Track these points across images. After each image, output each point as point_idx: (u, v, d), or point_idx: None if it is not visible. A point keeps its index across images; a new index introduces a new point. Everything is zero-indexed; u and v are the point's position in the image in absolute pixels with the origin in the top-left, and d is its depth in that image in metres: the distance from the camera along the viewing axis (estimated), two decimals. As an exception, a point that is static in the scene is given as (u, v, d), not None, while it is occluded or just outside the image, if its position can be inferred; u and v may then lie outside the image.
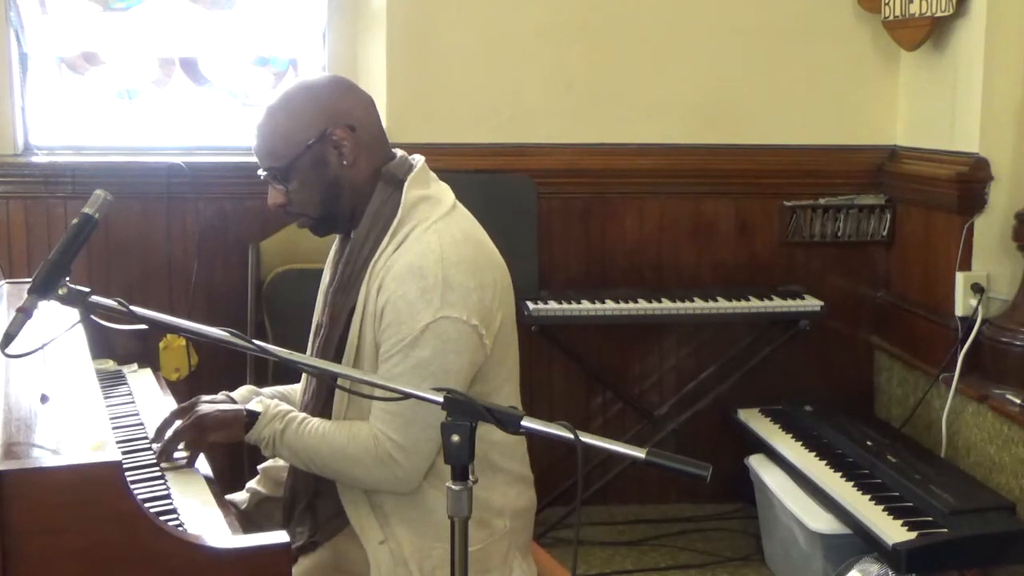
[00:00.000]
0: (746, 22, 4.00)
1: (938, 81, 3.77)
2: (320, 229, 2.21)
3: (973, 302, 3.53)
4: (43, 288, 1.85)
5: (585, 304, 3.72)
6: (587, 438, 1.63)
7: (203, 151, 3.95)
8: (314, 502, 2.20)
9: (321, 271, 2.32)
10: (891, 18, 3.82)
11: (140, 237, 3.83)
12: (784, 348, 3.93)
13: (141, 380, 2.73)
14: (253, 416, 2.12)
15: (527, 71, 3.95)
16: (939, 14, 3.58)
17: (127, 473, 1.77)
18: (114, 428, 2.28)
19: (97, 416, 2.06)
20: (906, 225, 4.00)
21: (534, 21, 3.93)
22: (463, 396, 1.69)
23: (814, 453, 3.47)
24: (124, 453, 2.08)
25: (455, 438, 1.65)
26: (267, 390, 2.35)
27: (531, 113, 3.95)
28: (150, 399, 2.56)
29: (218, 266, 3.87)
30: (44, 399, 2.02)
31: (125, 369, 2.82)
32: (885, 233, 4.07)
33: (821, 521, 3.18)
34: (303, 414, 2.16)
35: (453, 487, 1.67)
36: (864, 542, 3.02)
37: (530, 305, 3.66)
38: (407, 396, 1.76)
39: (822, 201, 4.07)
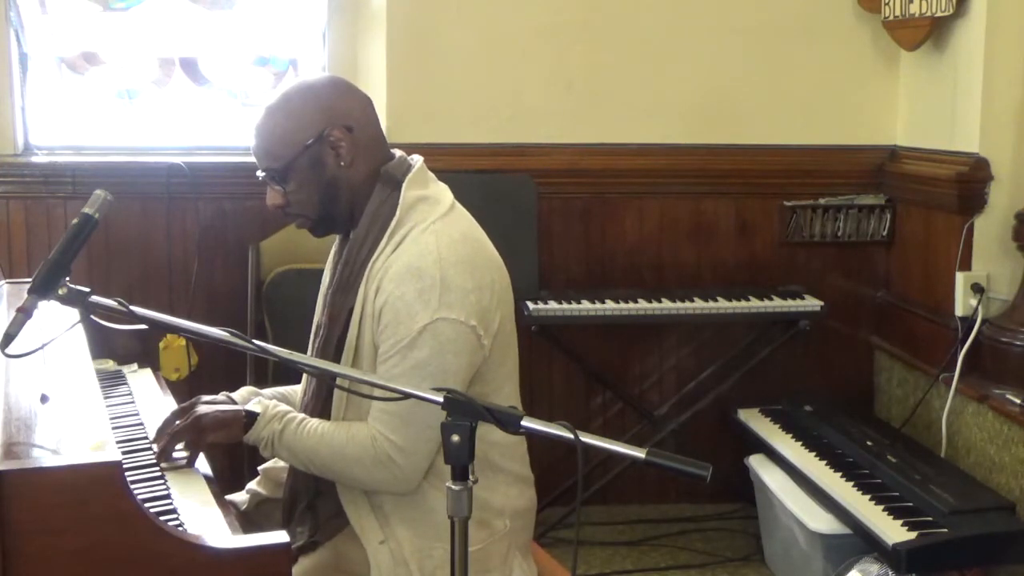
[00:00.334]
0: (746, 22, 4.00)
1: (938, 81, 3.77)
2: (318, 230, 2.21)
3: (973, 302, 3.53)
4: (43, 288, 1.85)
5: (585, 304, 3.72)
6: (587, 438, 1.63)
7: (203, 151, 3.95)
8: (314, 502, 2.20)
9: (321, 271, 2.32)
10: (891, 18, 3.82)
11: (140, 237, 3.83)
12: (784, 348, 3.93)
13: (141, 380, 2.73)
14: (252, 417, 2.12)
15: (527, 71, 3.95)
16: (939, 14, 3.58)
17: (127, 473, 1.77)
18: (114, 428, 2.28)
19: (97, 416, 2.06)
20: (906, 225, 4.00)
21: (534, 21, 3.93)
22: (463, 396, 1.69)
23: (814, 453, 3.47)
24: (124, 453, 2.09)
25: (455, 438, 1.65)
26: (267, 391, 2.35)
27: (531, 113, 3.95)
28: (150, 399, 2.56)
29: (218, 266, 3.87)
30: (44, 399, 2.03)
31: (125, 369, 2.82)
32: (885, 233, 4.07)
33: (821, 521, 3.18)
34: (302, 415, 2.16)
35: (453, 487, 1.67)
36: (864, 542, 3.02)
37: (530, 305, 3.66)
38: (407, 396, 1.76)
39: (822, 201, 4.07)
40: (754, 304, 3.80)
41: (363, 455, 2.05)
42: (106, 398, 2.47)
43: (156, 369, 2.90)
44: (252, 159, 2.18)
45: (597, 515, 4.03)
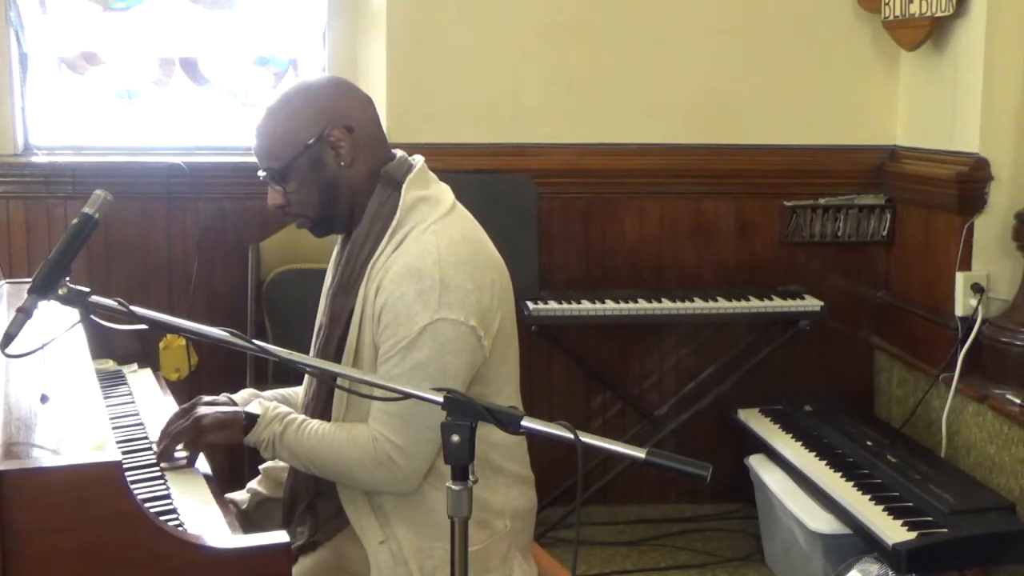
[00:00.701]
0: (746, 22, 4.00)
1: (938, 81, 3.77)
2: (319, 230, 2.21)
3: (973, 302, 3.53)
4: (43, 288, 1.85)
5: (585, 304, 3.72)
6: (587, 438, 1.63)
7: (203, 151, 3.95)
8: (314, 502, 2.20)
9: (321, 271, 2.32)
10: (891, 18, 3.82)
11: (140, 237, 3.83)
12: (784, 348, 3.93)
13: (141, 380, 2.73)
14: (252, 418, 2.12)
15: (527, 71, 3.95)
16: (939, 14, 3.58)
17: (127, 473, 1.77)
18: (114, 428, 2.28)
19: (97, 416, 2.06)
20: (906, 225, 4.00)
21: (534, 21, 3.93)
22: (463, 396, 1.69)
23: (814, 453, 3.47)
24: (124, 453, 2.09)
25: (455, 438, 1.65)
26: (268, 393, 2.34)
27: (531, 113, 3.95)
28: (150, 399, 2.56)
29: (218, 266, 3.87)
30: (44, 399, 2.03)
31: (125, 369, 2.82)
32: (885, 233, 4.07)
33: (821, 521, 3.18)
34: (302, 416, 2.16)
35: (453, 487, 1.67)
36: (864, 542, 3.02)
37: (530, 305, 3.66)
38: (407, 396, 1.76)
39: (822, 201, 4.07)
40: (754, 304, 3.80)
41: (364, 456, 2.05)
42: (106, 398, 2.47)
43: (156, 369, 2.90)
44: (252, 159, 2.18)
45: (597, 515, 4.03)
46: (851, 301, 4.12)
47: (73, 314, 1.91)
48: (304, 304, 2.38)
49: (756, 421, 3.81)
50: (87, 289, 1.87)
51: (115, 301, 1.85)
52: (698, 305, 3.75)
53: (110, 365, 2.82)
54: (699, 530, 3.97)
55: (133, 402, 2.54)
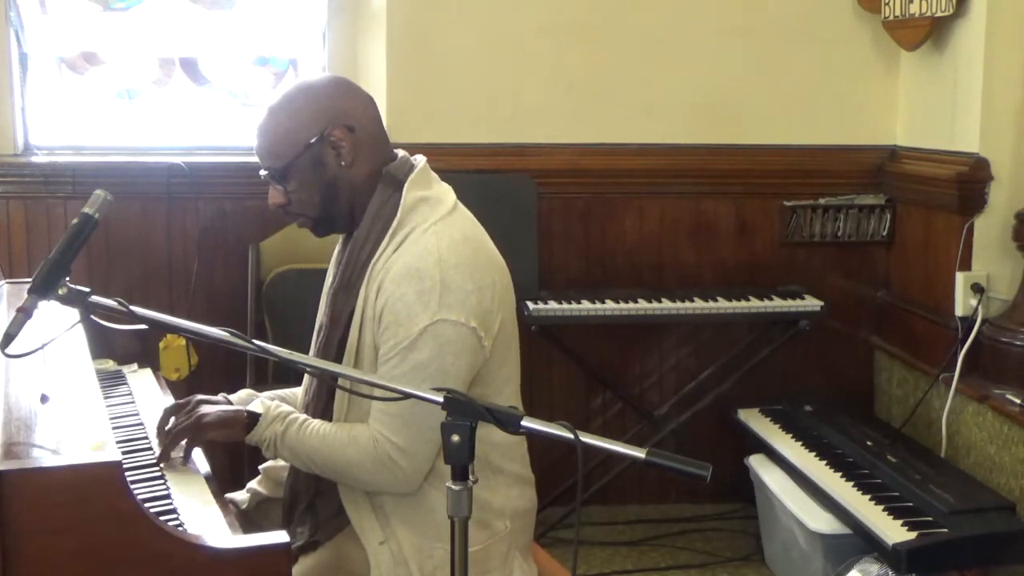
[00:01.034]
0: (746, 22, 4.00)
1: (938, 81, 3.77)
2: (319, 229, 2.21)
3: (973, 302, 3.53)
4: (43, 288, 1.85)
5: (585, 304, 3.72)
6: (587, 438, 1.63)
7: (203, 151, 3.95)
8: (315, 502, 2.20)
9: (321, 271, 2.32)
10: (891, 18, 3.82)
11: (140, 237, 3.83)
12: (784, 348, 3.93)
13: (141, 380, 2.73)
14: (254, 417, 2.12)
15: (527, 71, 3.95)
16: (939, 14, 3.58)
17: (127, 473, 1.77)
18: (114, 428, 2.28)
19: (97, 416, 2.06)
20: (906, 225, 4.00)
21: (534, 21, 3.93)
22: (463, 396, 1.69)
23: (814, 453, 3.47)
24: (124, 453, 2.09)
25: (455, 438, 1.65)
26: (265, 394, 2.34)
27: (531, 113, 3.95)
28: (150, 399, 2.56)
29: (218, 266, 3.87)
30: (44, 399, 2.03)
31: (125, 369, 2.82)
32: (885, 233, 4.07)
33: (821, 521, 3.18)
34: (304, 415, 2.16)
35: (453, 487, 1.67)
36: (864, 542, 3.02)
37: (530, 305, 3.66)
38: (407, 396, 1.76)
39: (822, 201, 4.07)
40: (754, 304, 3.80)
41: (364, 456, 2.05)
42: (106, 398, 2.47)
43: (156, 369, 2.90)
44: (252, 159, 2.18)
45: (597, 515, 4.03)
46: (851, 301, 4.12)
47: (73, 314, 1.91)
48: (304, 304, 2.39)
49: (756, 421, 3.81)
50: (87, 289, 1.87)
51: (115, 301, 1.85)
52: (698, 305, 3.75)
53: (110, 365, 2.82)
54: (699, 530, 3.97)
55: (133, 402, 2.54)
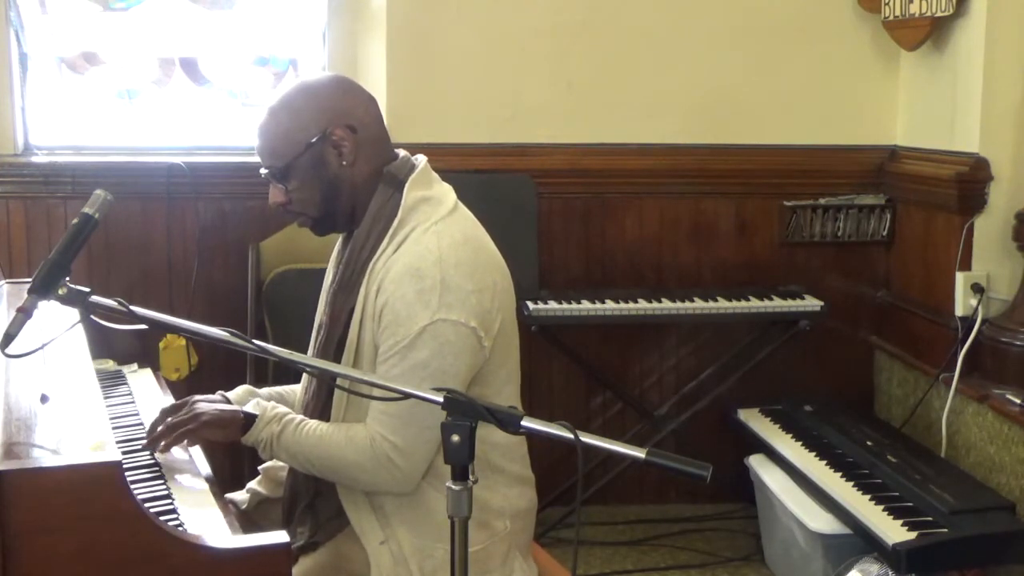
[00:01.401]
0: (746, 22, 4.00)
1: (938, 81, 3.77)
2: (320, 228, 2.21)
3: (973, 302, 3.53)
4: (43, 288, 1.85)
5: (585, 304, 3.72)
6: (587, 438, 1.63)
7: (203, 151, 3.94)
8: (314, 502, 2.20)
9: (321, 271, 2.32)
10: (891, 18, 3.82)
11: (140, 237, 3.83)
12: (784, 348, 3.93)
13: (141, 380, 2.73)
14: (250, 418, 2.12)
15: (527, 71, 3.95)
16: (939, 14, 3.58)
17: (127, 473, 1.77)
18: (114, 428, 2.28)
19: (97, 416, 2.06)
20: (906, 225, 4.00)
21: (534, 21, 3.93)
22: (463, 396, 1.69)
23: (814, 453, 3.47)
24: (124, 453, 2.08)
25: (455, 438, 1.65)
26: (264, 391, 2.34)
27: (531, 113, 3.95)
28: (150, 399, 2.56)
29: (218, 266, 3.87)
30: (44, 399, 2.03)
31: (125, 369, 2.82)
32: (885, 233, 4.07)
33: (821, 521, 3.18)
34: (300, 416, 2.15)
35: (453, 487, 1.67)
36: (864, 542, 3.02)
37: (530, 305, 3.66)
38: (407, 396, 1.76)
39: (822, 201, 4.07)
40: (754, 304, 3.80)
41: (362, 456, 2.05)
42: (106, 398, 2.47)
43: (156, 369, 2.90)
44: (252, 159, 2.18)
45: (597, 515, 4.03)
46: (851, 301, 4.12)
47: (73, 314, 1.91)
48: (304, 304, 2.38)
49: (756, 421, 3.81)
50: (87, 289, 1.87)
51: (115, 301, 1.85)
52: (698, 305, 3.75)
53: (110, 365, 2.82)
54: (699, 530, 3.97)
55: (133, 402, 2.54)
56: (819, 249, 4.10)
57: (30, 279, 1.89)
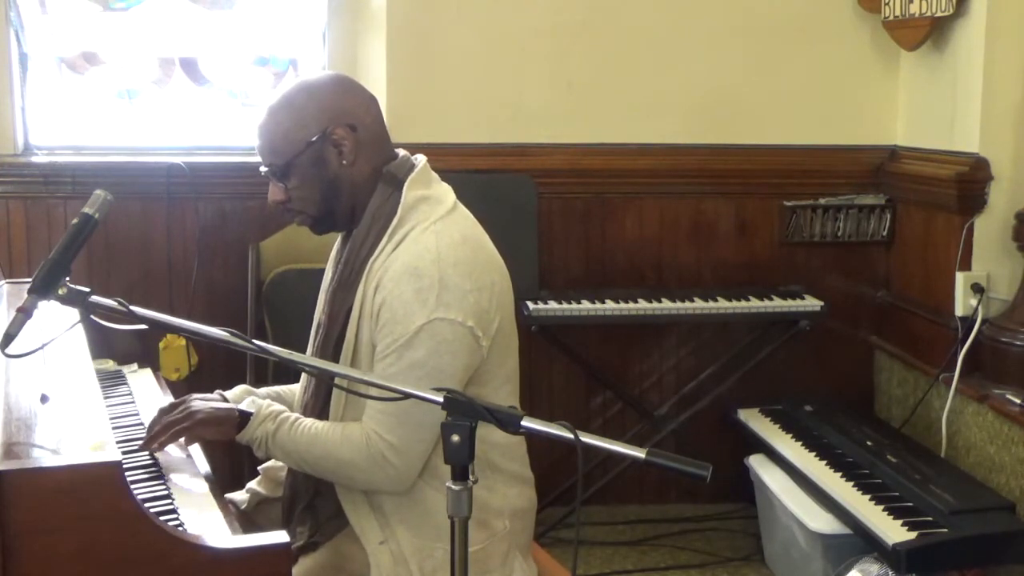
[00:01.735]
0: (746, 22, 4.00)
1: (938, 81, 3.77)
2: (319, 227, 2.21)
3: (973, 302, 3.53)
4: (43, 288, 1.85)
5: (585, 304, 3.72)
6: (587, 438, 1.63)
7: (203, 151, 3.95)
8: (314, 502, 2.20)
9: (321, 271, 2.32)
10: (891, 18, 3.82)
11: (140, 237, 3.83)
12: (784, 348, 3.93)
13: (141, 380, 2.73)
14: (246, 416, 2.12)
15: (527, 71, 3.95)
16: (939, 14, 3.58)
17: (127, 473, 1.77)
18: (114, 428, 2.28)
19: (97, 416, 2.06)
20: (906, 225, 4.00)
21: (534, 21, 3.93)
22: (463, 396, 1.69)
23: (814, 453, 3.47)
24: (124, 453, 2.08)
25: (455, 438, 1.65)
26: (262, 390, 2.35)
27: (531, 113, 3.95)
28: (150, 399, 2.56)
29: (218, 266, 3.87)
30: (44, 399, 2.03)
31: (125, 369, 2.82)
32: (885, 233, 4.07)
33: (821, 521, 3.18)
34: (296, 414, 2.15)
35: (453, 487, 1.67)
36: (864, 542, 3.02)
37: (530, 305, 3.66)
38: (407, 396, 1.76)
39: (822, 201, 4.07)
40: (754, 304, 3.80)
41: (357, 455, 2.05)
42: (106, 398, 2.47)
43: (156, 369, 2.91)
44: (252, 159, 2.18)
45: (597, 515, 4.03)
46: (851, 301, 4.12)
47: (73, 314, 1.91)
48: (304, 304, 2.38)
49: (756, 421, 3.81)
50: (87, 289, 1.87)
51: (115, 301, 1.85)
52: (698, 305, 3.75)
53: (110, 365, 2.82)
54: (699, 530, 3.97)
55: (133, 402, 2.54)
56: (819, 249, 4.10)
57: (30, 279, 1.88)
